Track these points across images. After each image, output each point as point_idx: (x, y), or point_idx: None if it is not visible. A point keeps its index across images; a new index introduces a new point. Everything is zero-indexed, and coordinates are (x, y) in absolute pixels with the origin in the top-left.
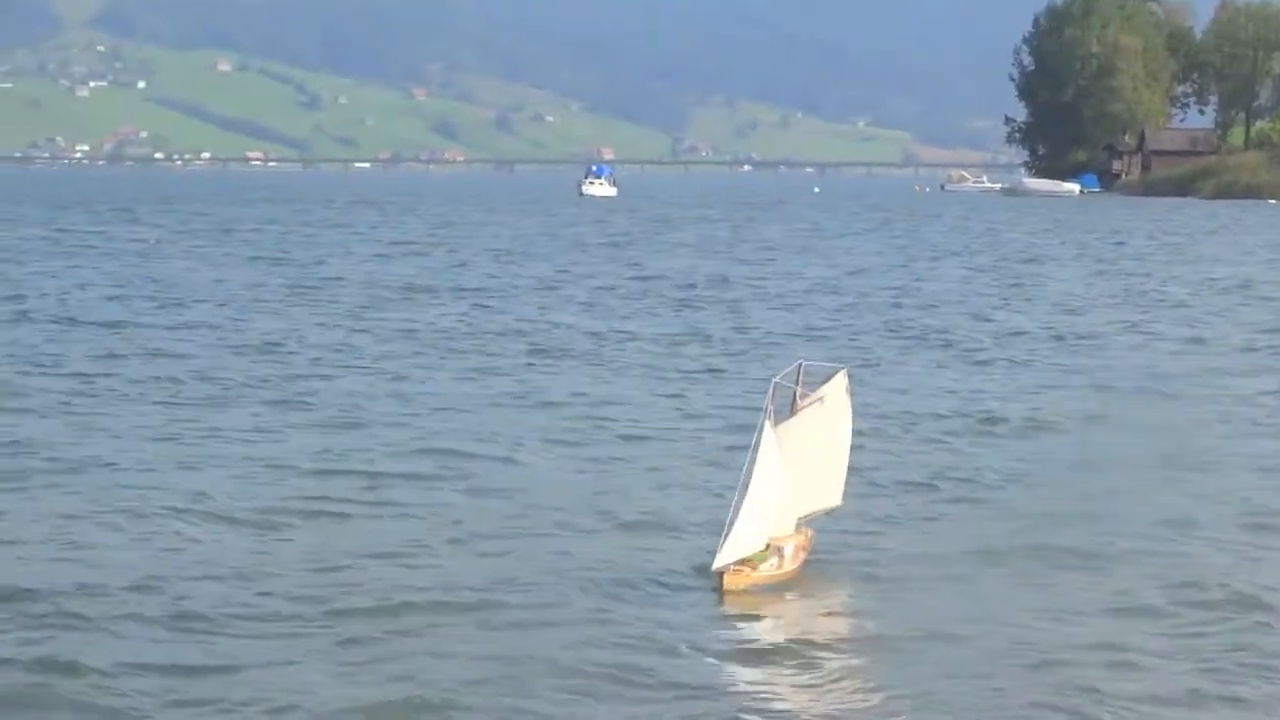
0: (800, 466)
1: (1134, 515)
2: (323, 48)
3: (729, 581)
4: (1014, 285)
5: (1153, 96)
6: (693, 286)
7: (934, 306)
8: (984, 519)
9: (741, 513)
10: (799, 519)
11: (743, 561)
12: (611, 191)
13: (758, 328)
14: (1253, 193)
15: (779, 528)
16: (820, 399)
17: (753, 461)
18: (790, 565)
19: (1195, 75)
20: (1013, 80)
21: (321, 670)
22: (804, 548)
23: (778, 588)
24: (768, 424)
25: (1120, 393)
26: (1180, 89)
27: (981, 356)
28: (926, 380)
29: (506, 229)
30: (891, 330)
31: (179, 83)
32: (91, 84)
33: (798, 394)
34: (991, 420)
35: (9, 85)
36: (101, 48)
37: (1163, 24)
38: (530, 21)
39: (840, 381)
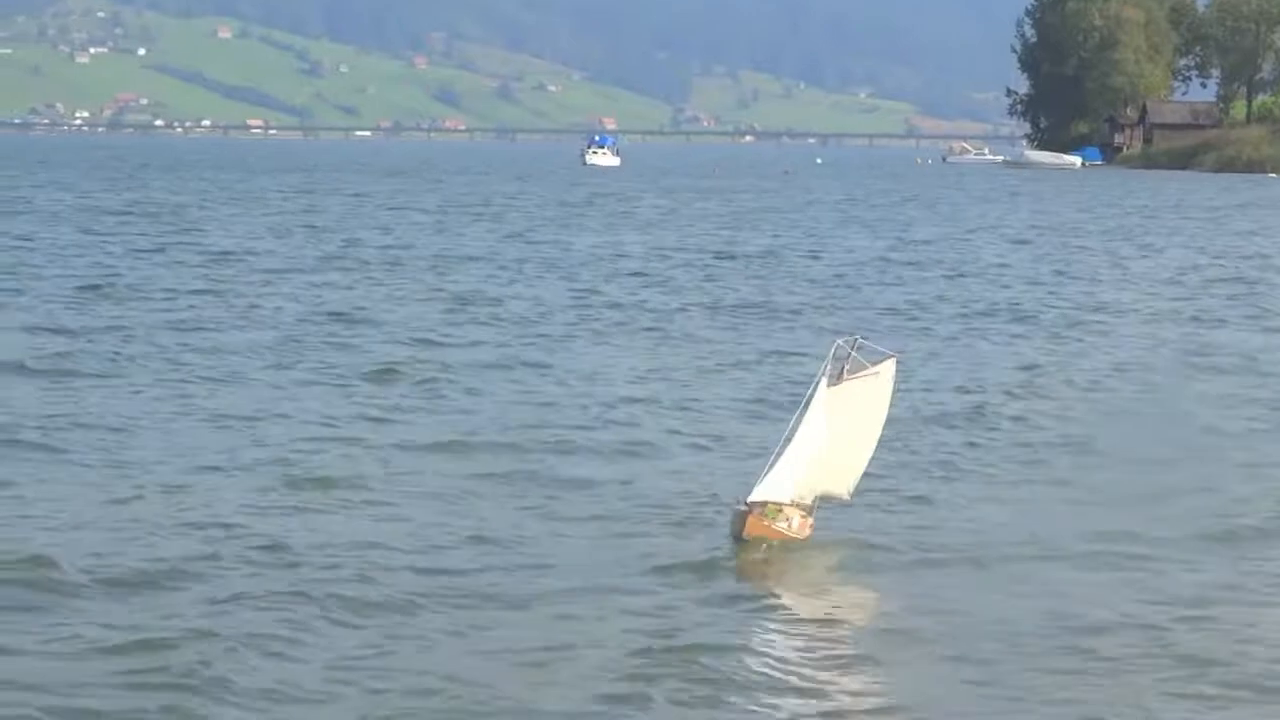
0: (833, 441)
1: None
2: (324, 15)
3: (751, 526)
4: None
5: (1155, 70)
6: (741, 258)
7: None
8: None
9: (783, 459)
10: (815, 495)
11: (764, 515)
12: (615, 161)
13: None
14: (1255, 167)
15: (805, 489)
16: (873, 374)
17: (802, 414)
18: (800, 533)
19: (1197, 49)
20: (1015, 52)
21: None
22: (808, 524)
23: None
24: (824, 382)
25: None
26: (1182, 62)
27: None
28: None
29: (534, 199)
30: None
31: (179, 50)
32: (92, 50)
33: (846, 368)
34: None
35: (8, 51)
36: (102, 14)
37: None
38: None
39: (890, 368)
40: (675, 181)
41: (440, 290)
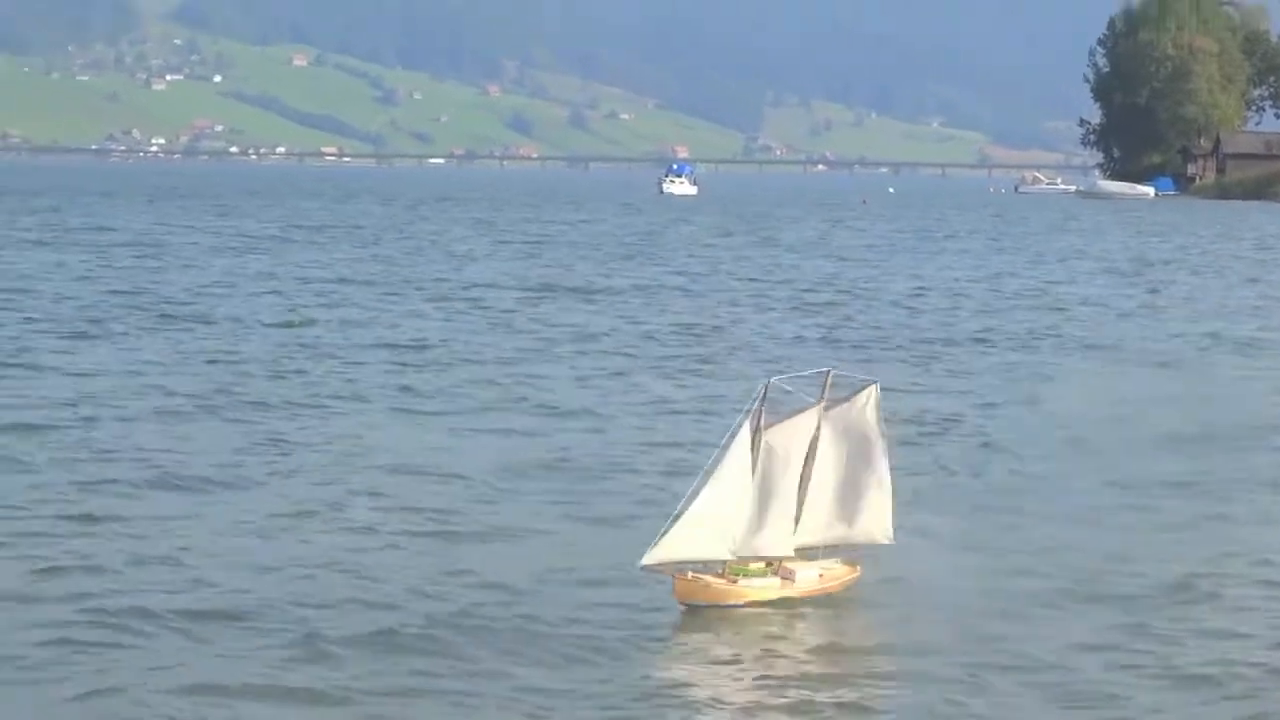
0: (812, 483)
1: None
2: (399, 43)
3: (679, 589)
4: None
5: (1228, 100)
6: (845, 291)
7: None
8: None
9: (688, 513)
10: (817, 546)
11: (727, 572)
12: (692, 190)
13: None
14: None
15: (756, 544)
16: (823, 407)
17: (718, 462)
18: (793, 591)
19: (1271, 78)
20: (1087, 82)
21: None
22: (833, 580)
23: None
24: (746, 425)
25: None
26: (1256, 92)
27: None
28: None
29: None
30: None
31: (255, 77)
32: (168, 77)
33: (822, 403)
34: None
35: (86, 78)
36: (178, 41)
37: (1238, 26)
38: (606, 19)
39: (867, 397)
40: (757, 209)
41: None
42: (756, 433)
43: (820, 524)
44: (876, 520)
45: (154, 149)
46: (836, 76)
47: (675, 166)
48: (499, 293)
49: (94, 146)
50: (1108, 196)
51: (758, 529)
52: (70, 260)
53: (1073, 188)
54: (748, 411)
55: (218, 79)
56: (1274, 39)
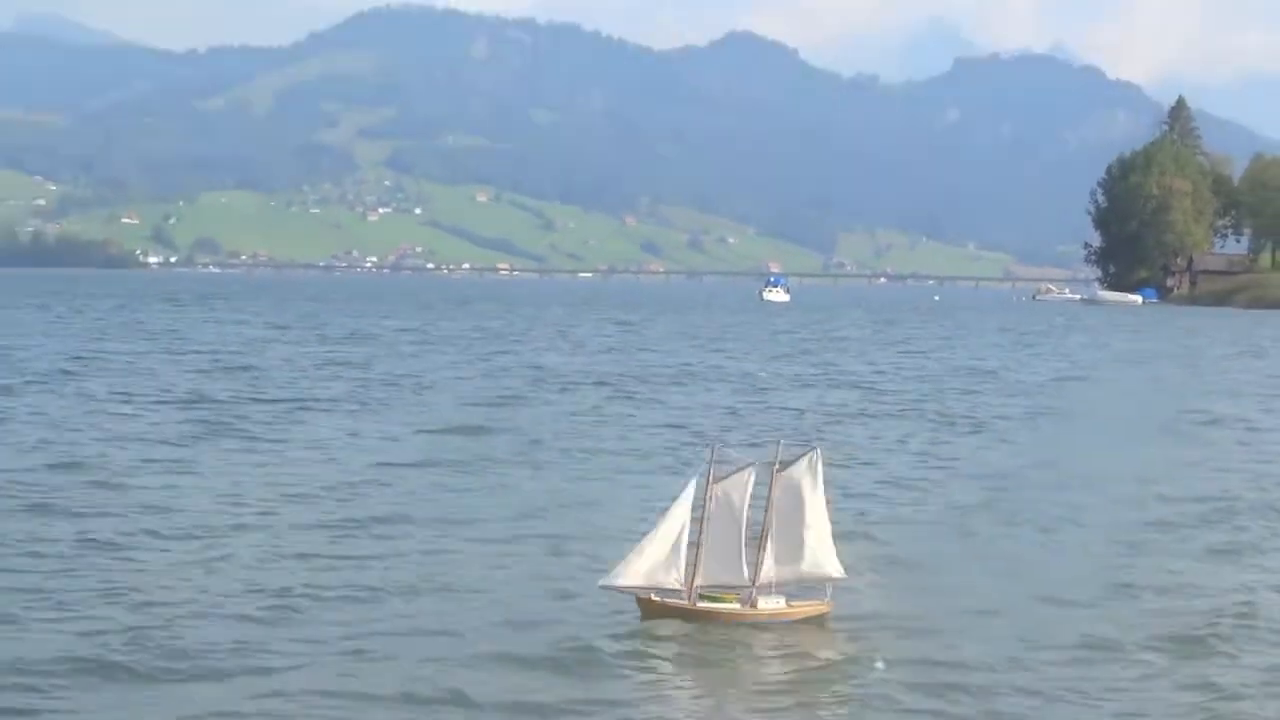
0: (771, 532)
1: None
2: (558, 183)
3: (643, 606)
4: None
5: (1199, 228)
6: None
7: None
8: None
9: (642, 545)
10: (780, 582)
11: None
12: (786, 298)
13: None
14: (1278, 304)
15: (704, 575)
16: (776, 468)
17: (676, 508)
18: (753, 615)
19: (1233, 212)
20: (1090, 214)
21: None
22: (797, 609)
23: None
24: (696, 479)
25: None
26: (1220, 223)
27: None
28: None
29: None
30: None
31: (447, 209)
32: (380, 210)
33: (774, 467)
34: None
35: (317, 211)
36: (388, 182)
37: (1208, 172)
38: (718, 165)
39: (811, 459)
40: (856, 314)
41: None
42: (708, 485)
43: (781, 563)
44: (827, 558)
45: (368, 265)
46: (895, 210)
47: (772, 279)
48: (741, 363)
49: (321, 263)
50: (1105, 303)
51: (705, 562)
52: (362, 351)
53: (1078, 296)
54: (703, 467)
55: (418, 211)
56: (1235, 181)
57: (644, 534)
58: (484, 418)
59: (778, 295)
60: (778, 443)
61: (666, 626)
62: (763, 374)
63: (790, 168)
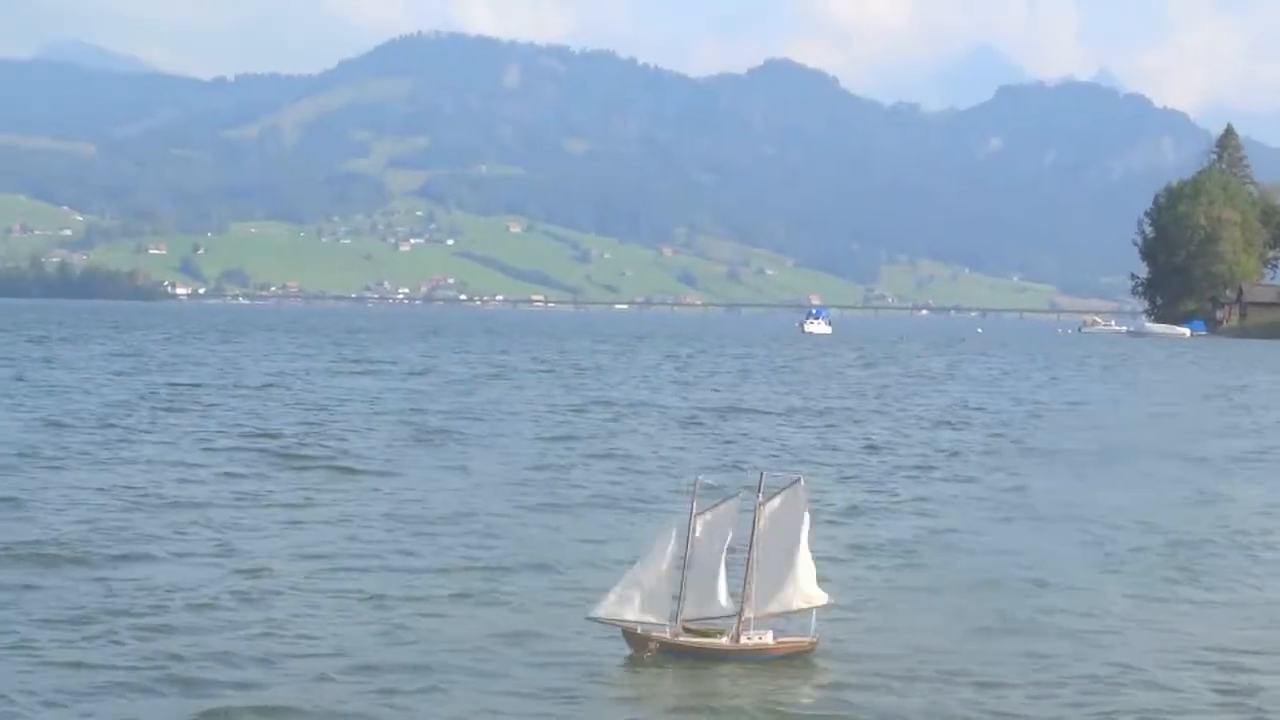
0: (756, 564)
1: None
2: (593, 214)
3: (629, 639)
4: None
5: (1249, 259)
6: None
7: None
8: None
9: (627, 579)
10: (766, 615)
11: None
12: (827, 330)
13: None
14: None
15: (690, 609)
16: (759, 500)
17: (660, 539)
18: (734, 645)
19: None
20: (1136, 245)
21: None
22: (783, 643)
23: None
24: (682, 514)
25: None
26: (1271, 253)
27: None
28: None
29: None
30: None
31: (480, 240)
32: (412, 241)
33: (757, 499)
34: None
35: (348, 241)
36: (420, 213)
37: (1257, 201)
38: (756, 196)
39: (795, 489)
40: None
41: None
42: (691, 518)
43: (766, 596)
44: (812, 588)
45: (400, 296)
46: (937, 241)
47: (814, 310)
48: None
49: (353, 295)
50: (1152, 335)
51: (689, 595)
52: (401, 385)
53: (1124, 329)
54: (690, 501)
55: (450, 242)
56: None
57: (631, 566)
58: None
59: (819, 327)
60: (760, 474)
61: (650, 662)
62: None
63: (830, 198)
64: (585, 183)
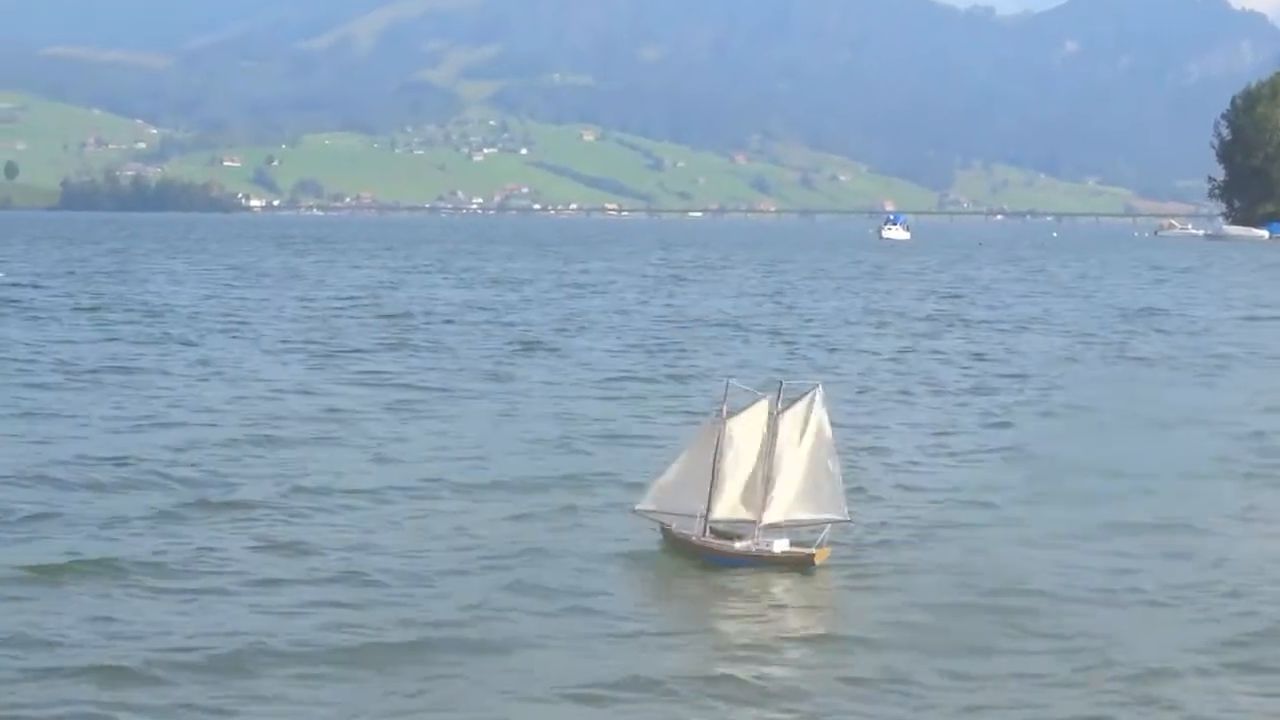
0: (775, 472)
1: None
2: (667, 121)
3: (665, 535)
4: None
5: None
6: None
7: None
8: None
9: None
10: (784, 524)
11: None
12: (906, 236)
13: None
14: None
15: (720, 508)
16: (779, 409)
17: (695, 443)
18: (764, 553)
19: None
20: (1213, 147)
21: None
22: (801, 552)
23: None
24: (712, 417)
25: None
26: None
27: None
28: None
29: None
30: None
31: (553, 149)
32: (485, 151)
33: (777, 405)
34: None
35: (421, 152)
36: (493, 122)
37: None
38: (830, 102)
39: (813, 397)
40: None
41: None
42: (719, 423)
43: (786, 504)
44: (833, 499)
45: (473, 206)
46: (1013, 145)
47: (892, 217)
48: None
49: (427, 205)
50: (1230, 238)
51: (716, 497)
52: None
53: (1201, 232)
54: (719, 406)
55: (524, 151)
56: None
57: (670, 464)
58: None
59: (897, 233)
60: (779, 383)
61: (677, 557)
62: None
63: (904, 103)
64: (658, 90)
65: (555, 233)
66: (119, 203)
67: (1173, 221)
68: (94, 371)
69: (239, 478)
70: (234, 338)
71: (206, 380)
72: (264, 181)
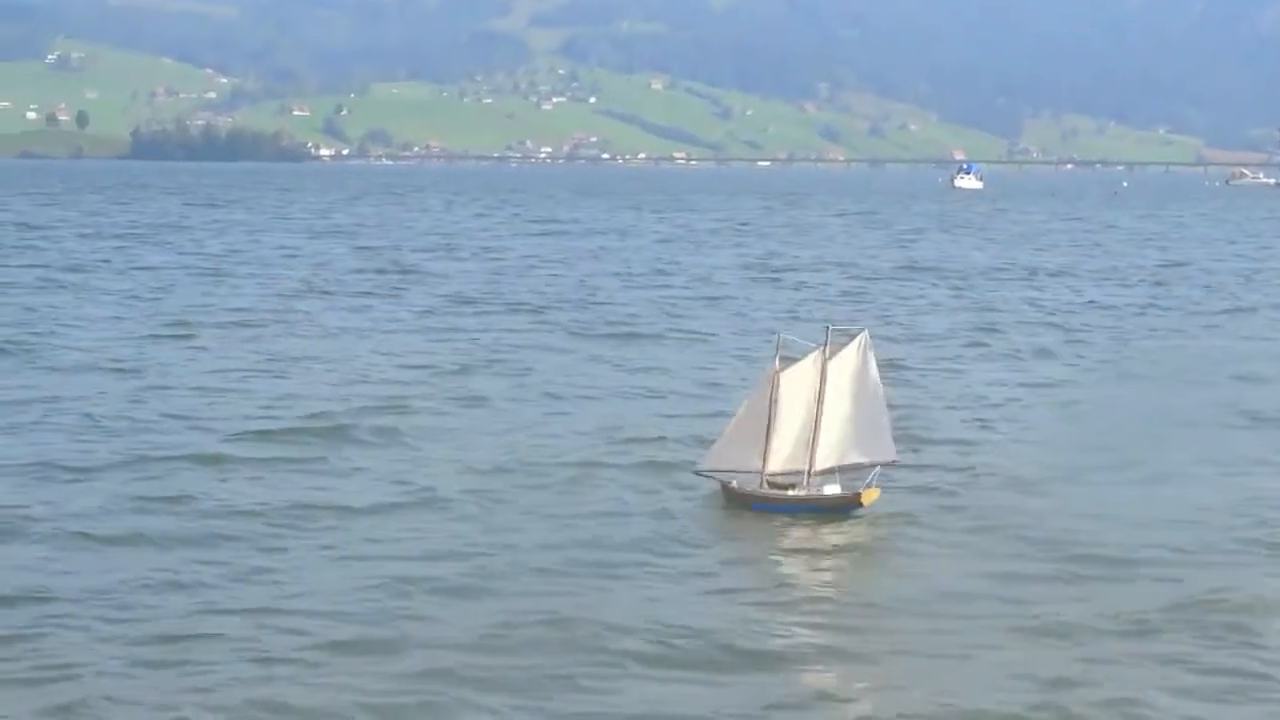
0: (824, 417)
1: None
2: (735, 70)
3: (724, 491)
4: None
5: None
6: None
7: None
8: None
9: (727, 434)
10: (836, 468)
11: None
12: (979, 185)
13: None
14: None
15: (778, 460)
16: (826, 354)
17: (752, 397)
18: (818, 500)
19: None
20: None
21: None
22: (852, 495)
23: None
24: (769, 369)
25: None
26: None
27: None
28: None
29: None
30: None
31: (622, 98)
32: (554, 100)
33: (825, 351)
34: None
35: (490, 101)
36: (562, 71)
37: None
38: (899, 50)
39: (860, 342)
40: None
41: None
42: (775, 375)
43: (835, 449)
44: (881, 441)
45: (542, 156)
46: (1083, 94)
47: (964, 166)
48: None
49: (495, 155)
50: None
51: (771, 449)
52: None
53: (1272, 181)
54: (774, 358)
55: (593, 100)
56: None
57: (729, 422)
58: None
59: (970, 183)
60: (826, 328)
61: (735, 511)
62: None
63: (973, 51)
64: (727, 39)
65: (698, 183)
66: (189, 152)
67: (1244, 170)
68: None
69: None
70: None
71: None
72: (333, 131)
